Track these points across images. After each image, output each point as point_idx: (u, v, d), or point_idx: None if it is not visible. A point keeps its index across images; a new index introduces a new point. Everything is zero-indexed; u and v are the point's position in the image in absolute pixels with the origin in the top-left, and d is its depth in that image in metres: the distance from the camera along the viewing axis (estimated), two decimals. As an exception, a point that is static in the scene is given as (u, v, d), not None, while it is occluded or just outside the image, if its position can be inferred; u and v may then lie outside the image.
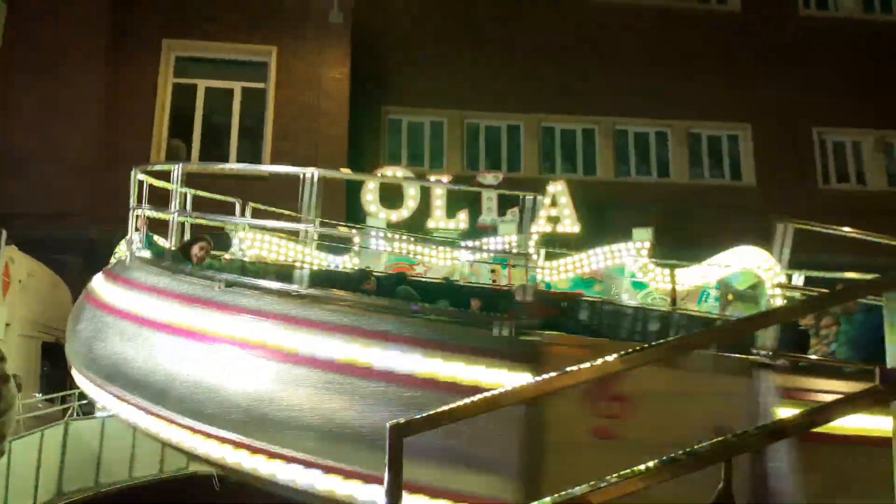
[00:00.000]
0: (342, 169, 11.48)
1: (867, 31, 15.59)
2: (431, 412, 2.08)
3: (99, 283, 5.18)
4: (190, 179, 6.20)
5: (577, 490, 1.75)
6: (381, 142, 14.45)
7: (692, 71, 14.79)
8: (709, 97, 14.74)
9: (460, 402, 2.12)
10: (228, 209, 7.52)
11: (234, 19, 12.97)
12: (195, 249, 5.87)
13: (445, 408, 2.09)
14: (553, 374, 2.13)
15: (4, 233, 9.37)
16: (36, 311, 10.16)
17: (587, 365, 2.09)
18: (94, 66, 12.51)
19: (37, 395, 9.44)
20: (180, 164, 5.37)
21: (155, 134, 12.64)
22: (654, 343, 2.30)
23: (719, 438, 1.87)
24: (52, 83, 12.11)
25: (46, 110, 12.01)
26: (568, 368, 2.09)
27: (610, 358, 2.10)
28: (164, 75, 12.88)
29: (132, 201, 6.20)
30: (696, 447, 1.85)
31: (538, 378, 2.11)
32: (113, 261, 5.63)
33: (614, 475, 1.76)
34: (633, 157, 15.20)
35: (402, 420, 2.02)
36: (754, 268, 9.08)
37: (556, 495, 1.77)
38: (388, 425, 1.99)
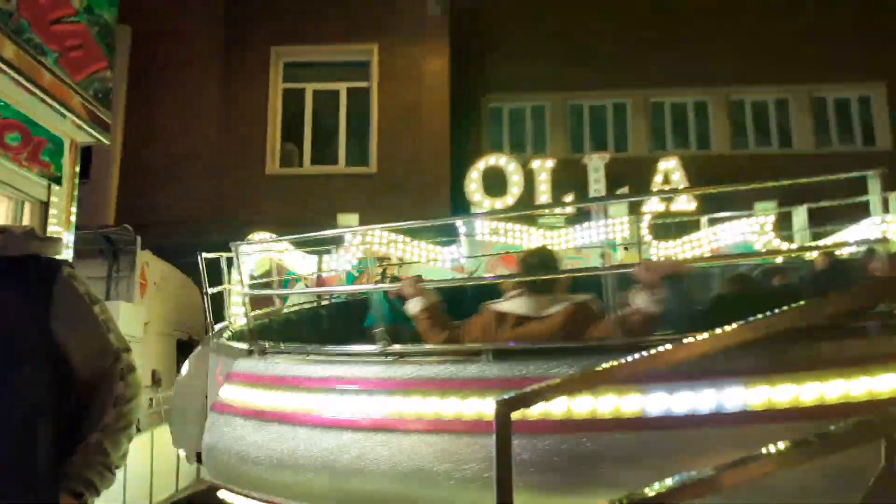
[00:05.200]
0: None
1: None
2: (543, 384, 1.96)
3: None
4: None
5: (705, 473, 1.59)
6: (483, 131, 14.41)
7: (812, 28, 13.70)
8: (833, 57, 13.62)
9: (577, 372, 2.00)
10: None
11: (335, 21, 13.34)
12: None
13: (558, 380, 1.97)
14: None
15: (139, 239, 10.11)
16: (170, 311, 10.90)
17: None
18: (212, 79, 13.29)
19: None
20: (280, 238, 4.75)
21: (269, 140, 13.24)
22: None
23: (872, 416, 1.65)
24: (175, 99, 12.98)
25: (171, 124, 12.89)
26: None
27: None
28: (274, 82, 13.46)
29: (204, 286, 5.26)
30: (843, 425, 1.64)
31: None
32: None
33: (747, 455, 1.59)
34: (751, 127, 14.31)
35: (509, 395, 1.89)
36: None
37: (678, 476, 1.61)
38: (495, 401, 1.87)
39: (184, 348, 10.56)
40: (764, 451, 1.60)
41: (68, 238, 6.04)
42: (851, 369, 3.02)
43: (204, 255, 5.37)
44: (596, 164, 11.43)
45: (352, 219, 10.48)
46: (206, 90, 13.22)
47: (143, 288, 10.01)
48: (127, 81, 12.91)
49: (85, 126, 6.03)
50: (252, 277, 6.17)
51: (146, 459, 7.63)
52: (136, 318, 9.61)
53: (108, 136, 6.48)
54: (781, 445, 1.60)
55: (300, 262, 8.83)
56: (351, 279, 9.83)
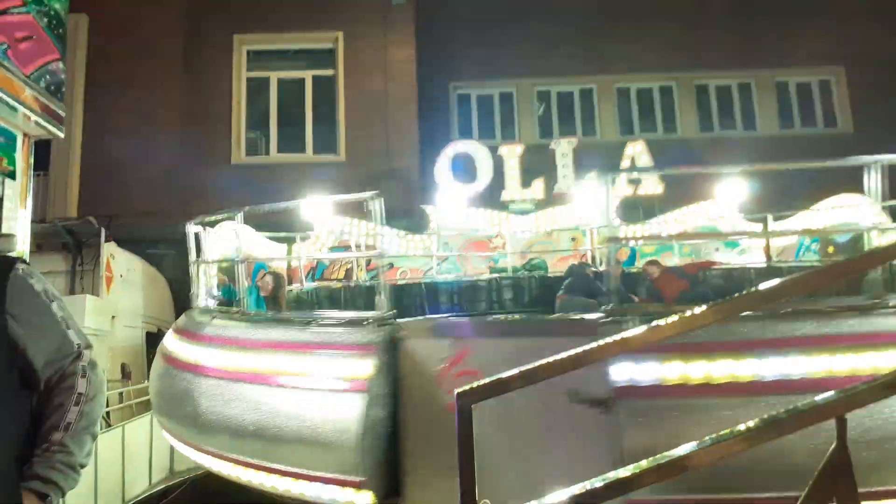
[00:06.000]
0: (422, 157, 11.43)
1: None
2: (500, 375, 1.98)
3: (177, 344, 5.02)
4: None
5: (675, 452, 1.62)
6: (452, 118, 14.39)
7: (774, 15, 13.93)
8: (794, 42, 13.86)
9: (531, 365, 2.02)
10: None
11: (299, 8, 13.16)
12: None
13: (515, 371, 1.98)
14: (642, 328, 1.99)
15: (104, 231, 9.93)
16: (137, 303, 10.74)
17: (674, 318, 1.95)
18: (173, 69, 13.02)
19: (146, 381, 9.98)
20: (241, 212, 5.24)
21: (234, 128, 13.05)
22: (744, 293, 2.10)
23: (829, 393, 1.69)
24: (136, 88, 12.69)
25: (133, 115, 12.61)
26: (654, 323, 1.96)
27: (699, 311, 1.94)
28: (237, 70, 13.25)
29: (191, 255, 6.02)
30: (801, 405, 1.68)
31: (617, 337, 1.96)
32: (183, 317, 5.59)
33: (724, 432, 1.63)
34: (716, 111, 14.52)
35: (468, 386, 1.89)
36: (855, 217, 8.48)
37: (652, 458, 1.64)
38: (455, 392, 1.89)
39: (153, 340, 10.42)
40: (725, 432, 1.64)
41: (24, 233, 5.89)
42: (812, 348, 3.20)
43: (188, 227, 5.90)
44: (564, 150, 11.48)
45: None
46: (168, 79, 12.96)
47: (108, 281, 9.83)
48: (85, 71, 12.60)
49: (38, 119, 5.87)
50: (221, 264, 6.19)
51: (118, 454, 7.54)
52: (102, 311, 9.45)
53: (62, 129, 6.31)
54: (741, 426, 1.64)
55: (267, 250, 8.75)
56: (322, 269, 9.78)
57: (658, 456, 1.60)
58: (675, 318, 1.86)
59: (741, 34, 13.95)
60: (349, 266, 9.59)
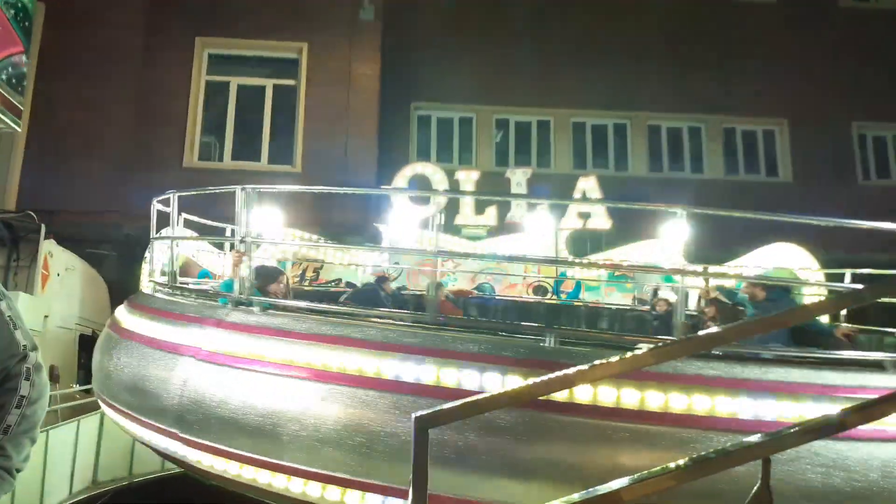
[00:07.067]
0: (382, 183, 11.50)
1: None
2: (459, 402, 2.03)
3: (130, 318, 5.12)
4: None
5: (605, 487, 1.69)
6: (411, 138, 14.48)
7: (727, 65, 14.55)
8: (744, 92, 14.48)
9: (488, 394, 2.08)
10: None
11: (265, 16, 13.09)
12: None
13: (473, 399, 2.03)
14: (583, 367, 2.08)
15: (44, 228, 9.59)
16: (73, 304, 10.39)
17: (615, 359, 2.04)
18: (130, 66, 12.74)
19: (74, 385, 9.63)
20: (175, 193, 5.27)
21: (188, 132, 12.82)
22: (685, 337, 2.22)
23: (757, 436, 1.80)
24: (90, 83, 12.35)
25: (84, 110, 12.26)
26: (597, 361, 2.04)
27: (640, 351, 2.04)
28: (196, 73, 13.06)
29: (152, 232, 6.21)
30: (730, 446, 1.78)
31: (574, 370, 2.04)
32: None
33: (645, 472, 1.70)
34: (667, 152, 15.01)
35: (427, 411, 1.95)
36: (789, 265, 8.87)
37: (585, 491, 1.71)
38: (413, 416, 1.93)
39: (87, 344, 10.08)
40: (656, 469, 1.72)
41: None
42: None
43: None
44: (518, 179, 11.69)
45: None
46: (124, 76, 12.66)
47: (44, 279, 9.49)
48: (38, 60, 12.22)
49: (-3, 113, 5.69)
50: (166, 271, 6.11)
51: (39, 460, 7.23)
52: (35, 310, 9.11)
53: (20, 123, 6.13)
54: (672, 464, 1.73)
55: (212, 260, 8.62)
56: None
57: (592, 489, 1.67)
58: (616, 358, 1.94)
59: (695, 79, 14.48)
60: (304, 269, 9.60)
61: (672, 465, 1.73)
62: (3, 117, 5.83)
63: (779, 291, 5.73)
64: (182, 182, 12.28)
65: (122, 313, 5.18)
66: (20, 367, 1.88)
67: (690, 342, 2.63)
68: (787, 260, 8.97)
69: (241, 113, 13.21)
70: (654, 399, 3.35)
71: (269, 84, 13.27)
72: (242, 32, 13.10)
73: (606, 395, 3.35)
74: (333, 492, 3.61)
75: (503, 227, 11.30)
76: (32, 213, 9.66)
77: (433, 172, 11.32)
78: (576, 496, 1.69)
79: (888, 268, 6.60)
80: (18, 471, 1.82)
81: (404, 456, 2.09)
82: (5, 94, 5.83)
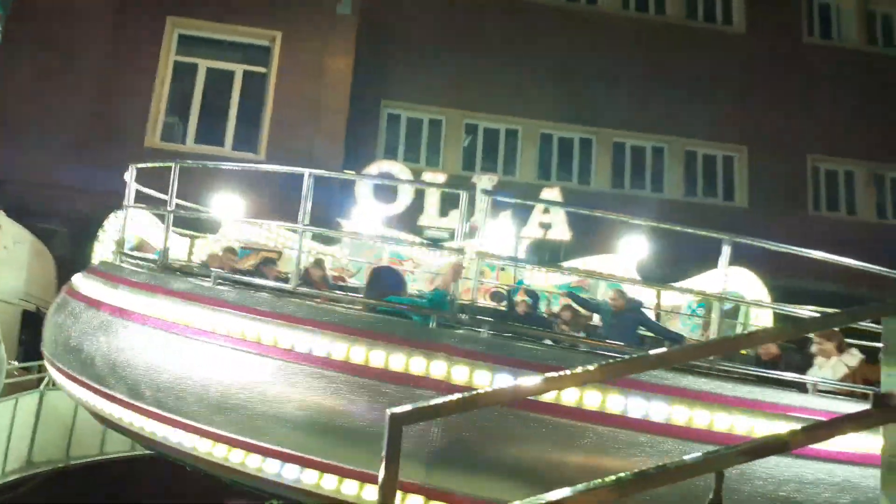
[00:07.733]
0: (347, 171, 11.43)
1: (868, 62, 15.71)
2: (434, 401, 2.04)
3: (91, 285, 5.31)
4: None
5: (554, 495, 1.72)
6: (379, 135, 14.44)
7: (693, 90, 14.89)
8: (707, 117, 14.85)
9: (466, 394, 2.10)
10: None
11: (241, 1, 12.91)
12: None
13: (449, 398, 2.04)
14: (564, 372, 2.12)
15: (-7, 197, 9.29)
16: (19, 279, 10.07)
17: (593, 367, 2.09)
18: (96, 39, 12.42)
19: (14, 362, 9.33)
20: (177, 163, 5.25)
21: (152, 111, 12.55)
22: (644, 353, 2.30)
23: (710, 451, 1.87)
24: (53, 54, 12.01)
25: (45, 80, 11.90)
26: (579, 369, 2.09)
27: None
28: (165, 52, 12.80)
29: (126, 200, 6.37)
30: (685, 459, 1.84)
31: (547, 375, 2.09)
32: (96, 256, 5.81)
33: (595, 481, 1.74)
34: (629, 169, 15.27)
35: (402, 408, 1.93)
36: (740, 289, 9.11)
37: (530, 499, 1.74)
38: (387, 412, 1.93)
39: (29, 320, 9.79)
40: (608, 479, 1.76)
41: None
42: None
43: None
44: (484, 185, 11.73)
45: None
46: (90, 50, 12.33)
47: (-10, 251, 9.18)
48: (2, 26, 11.83)
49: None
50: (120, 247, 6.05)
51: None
52: (-23, 282, 8.81)
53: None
54: (623, 474, 1.78)
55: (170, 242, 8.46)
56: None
57: (547, 494, 1.70)
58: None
59: (661, 101, 14.78)
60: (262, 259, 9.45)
61: (613, 477, 1.77)
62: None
63: (635, 304, 6.74)
64: (141, 161, 12.03)
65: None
66: None
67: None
68: (737, 283, 9.21)
69: (208, 96, 13.00)
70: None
71: (238, 69, 13.09)
72: (216, 15, 12.89)
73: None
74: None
75: (465, 230, 11.33)
76: (-19, 182, 9.34)
77: (400, 171, 11.28)
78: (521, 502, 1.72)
79: (831, 297, 6.86)
80: None
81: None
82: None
